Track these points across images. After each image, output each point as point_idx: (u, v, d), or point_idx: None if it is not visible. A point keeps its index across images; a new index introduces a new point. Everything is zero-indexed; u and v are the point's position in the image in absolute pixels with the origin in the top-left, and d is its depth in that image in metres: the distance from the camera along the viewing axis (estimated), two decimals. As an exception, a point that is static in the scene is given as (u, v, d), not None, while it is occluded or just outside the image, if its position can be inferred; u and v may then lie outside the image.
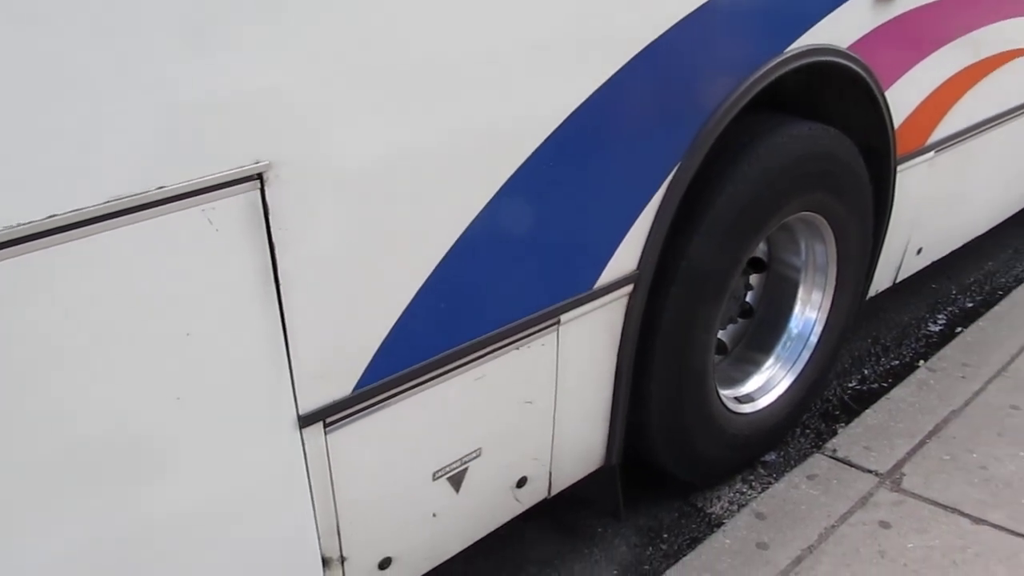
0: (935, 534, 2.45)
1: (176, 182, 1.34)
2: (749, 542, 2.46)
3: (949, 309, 3.99)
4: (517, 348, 1.98)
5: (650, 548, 2.63)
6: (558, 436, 2.22)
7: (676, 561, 2.45)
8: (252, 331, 1.51)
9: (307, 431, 1.66)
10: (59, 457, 1.37)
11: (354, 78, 1.51)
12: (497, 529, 2.23)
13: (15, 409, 1.30)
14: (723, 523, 2.62)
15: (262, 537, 1.70)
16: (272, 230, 1.47)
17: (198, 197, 1.37)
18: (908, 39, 2.76)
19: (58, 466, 1.37)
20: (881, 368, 3.54)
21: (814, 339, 2.88)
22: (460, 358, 1.87)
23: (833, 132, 2.57)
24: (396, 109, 1.58)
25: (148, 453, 1.46)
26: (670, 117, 2.09)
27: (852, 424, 2.98)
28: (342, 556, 1.83)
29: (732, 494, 2.83)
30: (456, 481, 2.01)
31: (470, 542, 2.16)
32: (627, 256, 2.12)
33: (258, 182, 1.43)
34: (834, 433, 3.04)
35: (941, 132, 3.09)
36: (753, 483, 2.87)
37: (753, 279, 2.87)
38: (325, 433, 1.69)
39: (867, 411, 3.04)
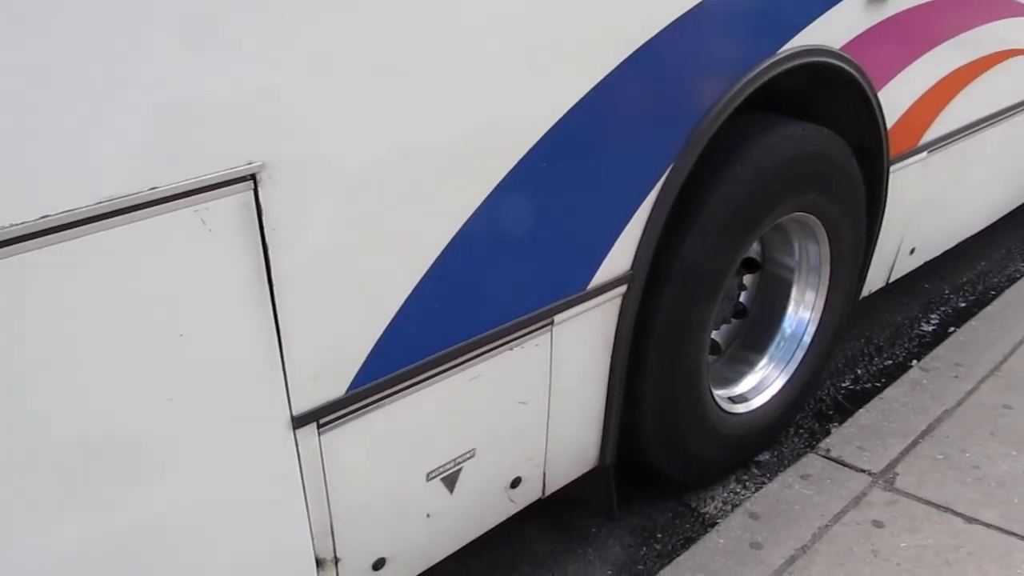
0: (928, 533, 2.46)
1: (169, 183, 1.34)
2: (743, 542, 2.46)
3: (942, 309, 4.00)
4: (511, 348, 1.98)
5: (644, 548, 2.63)
6: (552, 436, 2.22)
7: (670, 561, 2.46)
8: (245, 332, 1.51)
9: (301, 432, 1.66)
10: (50, 459, 1.36)
11: (347, 79, 1.51)
12: (491, 529, 2.23)
13: (5, 410, 1.30)
14: (717, 523, 2.62)
15: (256, 538, 1.70)
16: (265, 231, 1.46)
17: (191, 198, 1.36)
18: (901, 40, 2.76)
19: (49, 468, 1.37)
20: (874, 368, 3.55)
21: (808, 339, 2.88)
22: (454, 359, 1.87)
23: (826, 133, 2.57)
24: (389, 110, 1.58)
25: (141, 454, 1.46)
26: (663, 118, 2.09)
27: (845, 424, 2.99)
28: (336, 557, 1.83)
29: (726, 494, 2.83)
30: (450, 482, 2.01)
31: (464, 543, 2.16)
32: (621, 256, 2.13)
33: (251, 183, 1.42)
34: (827, 433, 3.04)
35: (934, 132, 3.10)
36: (747, 483, 2.88)
37: (747, 279, 2.88)
38: (319, 434, 1.69)
39: (860, 411, 3.04)
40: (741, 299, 2.90)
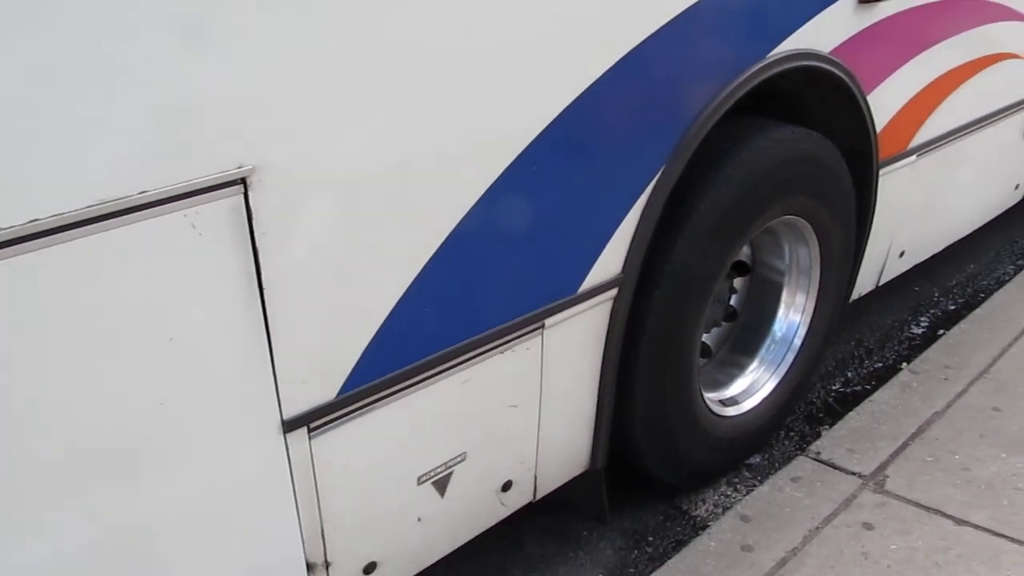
0: (918, 535, 2.47)
1: (159, 186, 1.33)
2: (734, 544, 2.47)
3: (931, 312, 4.02)
4: (502, 352, 1.98)
5: (635, 551, 2.63)
6: (543, 440, 2.22)
7: (661, 564, 2.46)
8: (236, 336, 1.51)
9: (291, 436, 1.65)
10: (38, 464, 1.36)
11: (338, 83, 1.51)
12: (482, 533, 2.23)
13: (-4, 415, 1.30)
14: (708, 526, 2.63)
15: (246, 542, 1.69)
16: (256, 234, 1.46)
17: (181, 201, 1.36)
18: (890, 44, 2.78)
19: (37, 473, 1.36)
20: (864, 371, 3.56)
21: (798, 342, 2.89)
22: (445, 362, 1.87)
23: (816, 136, 2.58)
24: (380, 115, 1.58)
25: (130, 458, 1.46)
26: (654, 122, 2.10)
27: (836, 426, 3.00)
28: (326, 561, 1.83)
29: (717, 497, 2.84)
30: (441, 485, 2.01)
31: (455, 546, 2.16)
32: (612, 260, 2.13)
33: (241, 186, 1.42)
34: (818, 435, 3.05)
35: (923, 136, 3.11)
36: (738, 486, 2.88)
37: (737, 282, 2.88)
38: (309, 438, 1.69)
39: (850, 413, 3.05)
40: (732, 302, 2.90)
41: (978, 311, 3.71)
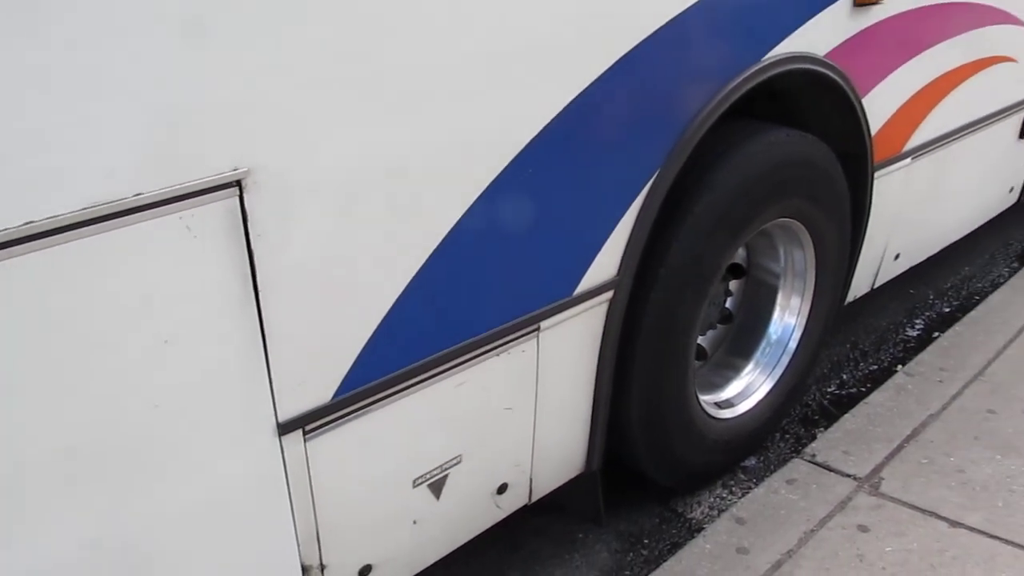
0: (913, 537, 2.47)
1: (154, 189, 1.33)
2: (729, 547, 2.47)
3: (926, 314, 4.03)
4: (497, 354, 1.99)
5: (631, 553, 2.63)
6: (539, 442, 2.22)
7: (657, 566, 2.46)
8: (231, 338, 1.51)
9: (287, 439, 1.65)
10: (33, 466, 1.35)
11: (333, 85, 1.51)
12: (478, 536, 2.22)
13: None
14: (703, 528, 2.63)
15: (241, 545, 1.69)
16: (251, 237, 1.46)
17: (176, 204, 1.36)
18: (885, 47, 2.78)
19: (31, 475, 1.36)
20: (859, 373, 3.57)
21: (793, 344, 2.89)
22: (440, 365, 1.87)
23: (811, 139, 2.58)
24: (376, 117, 1.58)
25: (125, 461, 1.45)
26: (649, 125, 2.10)
27: (831, 429, 3.00)
28: (322, 564, 1.83)
29: (712, 499, 2.84)
30: (436, 488, 2.01)
31: (450, 549, 2.16)
32: (607, 262, 2.13)
33: (237, 189, 1.42)
34: (813, 438, 3.05)
35: (918, 139, 3.12)
36: (733, 488, 2.88)
37: (732, 285, 2.89)
38: (305, 441, 1.69)
39: (846, 416, 3.06)
40: (727, 305, 2.91)
41: (973, 313, 3.72)
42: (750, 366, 2.90)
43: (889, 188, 3.06)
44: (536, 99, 1.84)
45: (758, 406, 2.86)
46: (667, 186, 2.16)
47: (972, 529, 2.50)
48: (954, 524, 2.52)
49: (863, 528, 2.51)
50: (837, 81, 2.57)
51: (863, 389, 3.40)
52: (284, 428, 1.64)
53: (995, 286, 4.14)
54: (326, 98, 1.51)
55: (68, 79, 1.23)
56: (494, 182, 1.80)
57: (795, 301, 2.88)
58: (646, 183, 2.12)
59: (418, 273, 1.74)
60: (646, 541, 2.68)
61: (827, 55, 2.52)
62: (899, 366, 3.44)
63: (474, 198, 1.78)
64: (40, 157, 1.23)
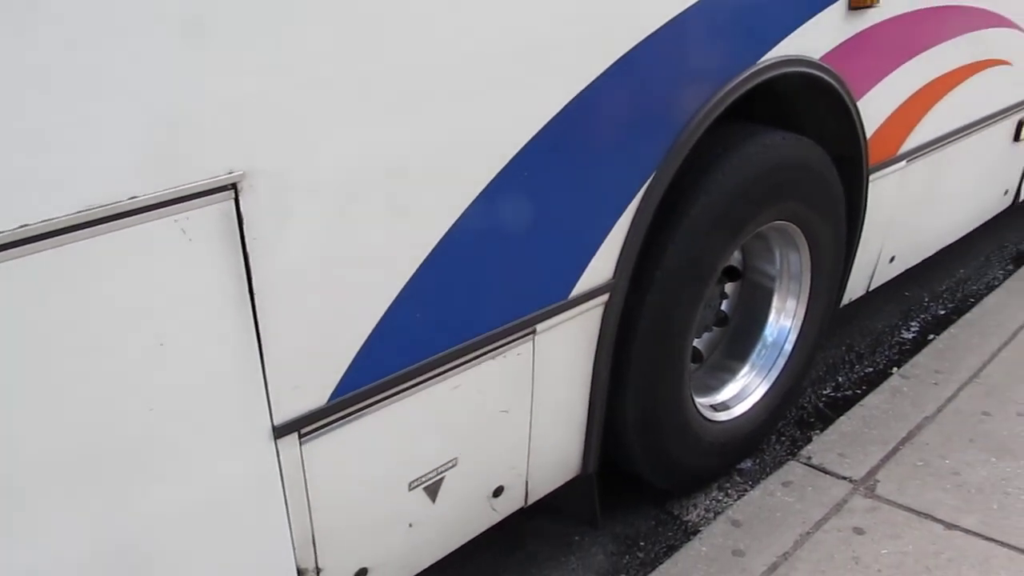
0: (908, 540, 2.47)
1: (149, 192, 1.33)
2: (725, 549, 2.47)
3: (922, 316, 4.03)
4: (493, 357, 1.98)
5: (627, 556, 2.63)
6: (535, 445, 2.22)
7: (653, 569, 2.46)
8: (226, 341, 1.51)
9: (282, 442, 1.65)
10: (27, 469, 1.35)
11: (328, 88, 1.51)
12: (474, 538, 2.22)
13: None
14: (699, 530, 2.63)
15: (236, 549, 1.69)
16: (246, 240, 1.46)
17: (171, 207, 1.36)
18: (880, 50, 2.79)
19: (26, 479, 1.36)
20: (855, 375, 3.57)
21: (789, 347, 2.90)
22: (436, 368, 1.87)
23: (806, 142, 2.59)
24: (371, 120, 1.58)
25: (120, 464, 1.45)
26: (646, 127, 2.10)
27: (827, 431, 3.00)
28: (317, 567, 1.82)
29: (708, 501, 2.84)
30: (432, 491, 2.01)
31: (446, 552, 2.16)
32: (603, 265, 2.13)
33: (232, 192, 1.42)
34: (809, 440, 3.06)
35: (913, 142, 3.13)
36: (729, 490, 2.88)
37: (728, 287, 2.89)
38: (300, 444, 1.68)
39: (841, 418, 3.06)
40: (723, 307, 2.91)
41: (968, 316, 3.73)
42: (746, 369, 2.91)
43: (884, 191, 3.06)
44: (534, 100, 1.84)
45: (754, 408, 2.87)
46: (663, 188, 2.16)
47: (967, 531, 2.50)
48: (949, 526, 2.52)
49: (859, 530, 2.51)
50: (832, 84, 2.58)
51: (858, 391, 3.40)
52: (280, 431, 1.63)
53: (990, 288, 4.15)
54: (321, 101, 1.51)
55: (62, 82, 1.22)
56: (490, 185, 1.80)
57: (791, 304, 2.88)
58: (642, 185, 2.12)
59: (414, 276, 1.74)
60: (642, 543, 2.68)
61: (822, 58, 2.52)
62: (894, 368, 3.45)
63: (470, 201, 1.78)
64: (34, 160, 1.22)
